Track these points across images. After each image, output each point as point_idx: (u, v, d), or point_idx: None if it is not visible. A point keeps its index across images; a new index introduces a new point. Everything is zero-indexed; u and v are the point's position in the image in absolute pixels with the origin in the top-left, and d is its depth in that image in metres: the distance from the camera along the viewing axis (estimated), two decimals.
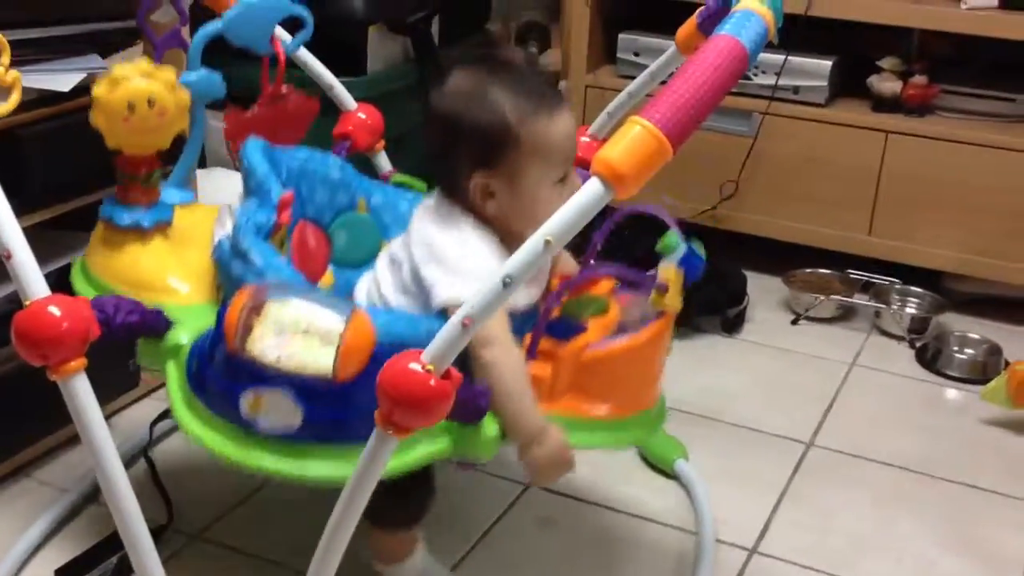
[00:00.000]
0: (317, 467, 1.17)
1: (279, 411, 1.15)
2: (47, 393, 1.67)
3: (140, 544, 1.14)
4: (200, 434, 1.21)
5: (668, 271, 1.30)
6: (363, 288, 1.42)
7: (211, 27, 1.54)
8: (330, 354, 1.13)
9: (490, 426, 1.20)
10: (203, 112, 1.57)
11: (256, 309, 1.16)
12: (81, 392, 1.08)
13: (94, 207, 1.68)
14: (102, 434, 1.10)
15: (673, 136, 0.96)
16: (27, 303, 1.07)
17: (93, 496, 1.68)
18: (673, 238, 1.31)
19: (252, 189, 1.40)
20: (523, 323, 1.28)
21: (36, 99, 1.64)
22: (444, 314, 1.25)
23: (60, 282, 1.42)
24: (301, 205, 1.46)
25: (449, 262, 1.29)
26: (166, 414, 1.85)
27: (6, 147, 1.61)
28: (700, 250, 1.35)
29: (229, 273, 1.30)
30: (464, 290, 1.24)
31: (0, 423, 1.69)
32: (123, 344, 1.90)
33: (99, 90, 1.36)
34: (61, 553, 1.54)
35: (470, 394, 1.15)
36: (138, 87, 1.37)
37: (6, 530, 1.59)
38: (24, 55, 1.64)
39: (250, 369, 1.15)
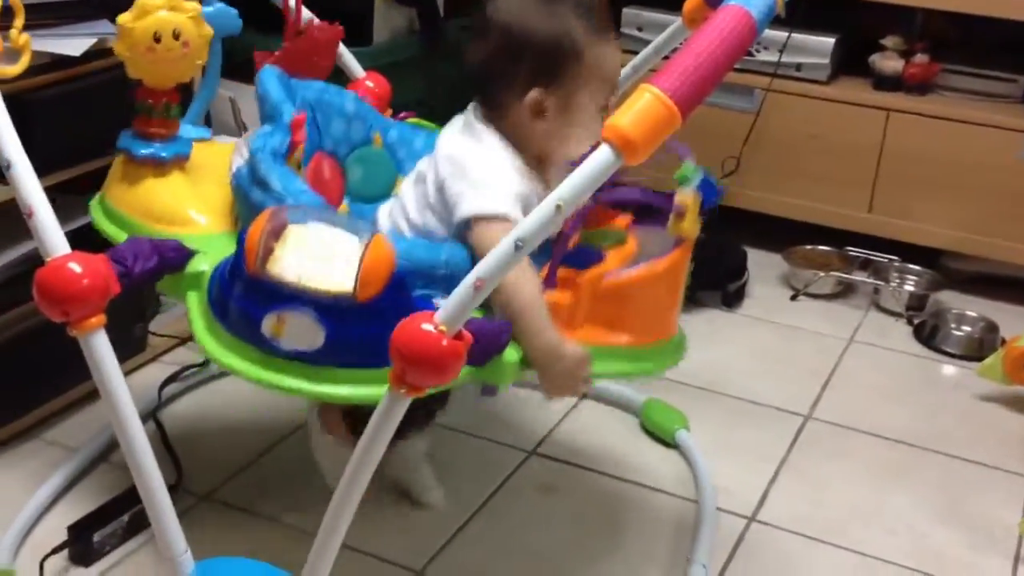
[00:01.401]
0: (338, 387, 1.18)
1: (301, 331, 1.16)
2: (54, 355, 1.71)
3: (156, 495, 1.15)
4: (223, 358, 1.21)
5: (685, 196, 1.30)
6: (385, 211, 1.43)
7: None
8: (351, 274, 1.14)
9: (512, 352, 1.21)
10: (219, 47, 1.57)
11: (276, 232, 1.17)
12: (101, 348, 1.10)
13: (102, 172, 1.70)
14: (120, 389, 1.11)
15: (683, 104, 0.98)
16: (48, 260, 1.09)
17: (102, 456, 1.71)
18: (690, 167, 1.33)
19: (266, 114, 1.41)
20: (541, 252, 1.29)
21: (43, 64, 1.65)
22: (467, 225, 1.28)
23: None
24: (317, 136, 1.46)
25: (474, 176, 1.30)
26: (174, 377, 1.89)
27: (14, 112, 1.60)
28: (715, 180, 1.37)
29: (248, 200, 1.31)
30: (488, 205, 1.27)
31: (9, 385, 1.72)
32: (132, 308, 1.92)
33: (125, 18, 1.37)
34: (72, 510, 1.56)
35: (492, 332, 1.16)
36: (165, 18, 1.37)
37: (18, 489, 1.61)
38: (35, 19, 1.65)
39: (271, 290, 1.16)
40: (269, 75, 1.46)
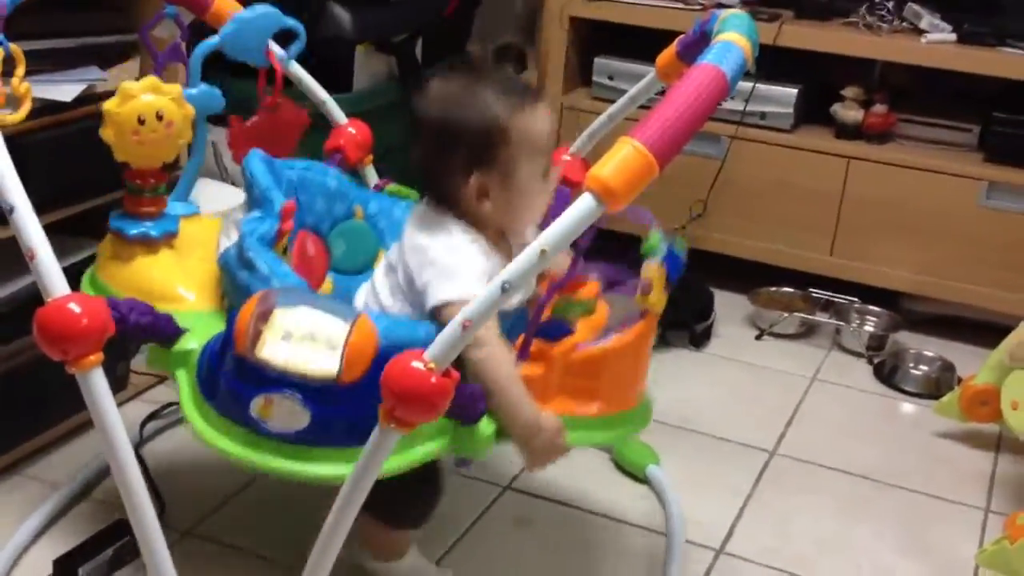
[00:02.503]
0: (323, 467, 1.22)
1: (287, 413, 1.21)
2: (37, 393, 1.74)
3: (148, 528, 1.19)
4: (210, 436, 1.26)
5: (651, 270, 1.37)
6: (362, 295, 1.48)
7: (209, 43, 1.61)
8: (335, 358, 1.18)
9: (486, 426, 1.26)
10: (204, 127, 1.63)
11: (264, 315, 1.21)
12: (98, 385, 1.14)
13: (93, 213, 1.74)
14: (116, 424, 1.15)
15: (660, 156, 1.03)
16: (48, 300, 1.13)
17: (85, 491, 1.74)
18: (656, 239, 1.38)
19: (256, 199, 1.46)
20: (514, 324, 1.35)
21: (37, 109, 1.69)
22: (436, 314, 1.32)
23: None
24: (300, 214, 1.52)
25: (440, 266, 1.35)
26: (156, 414, 1.91)
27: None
28: (682, 249, 1.42)
29: (235, 281, 1.36)
30: (455, 291, 1.31)
31: None
32: (112, 348, 1.95)
33: (110, 105, 1.42)
34: (57, 545, 1.58)
35: (469, 397, 1.22)
36: (148, 101, 1.43)
37: (2, 524, 1.63)
38: (28, 66, 1.70)
39: (259, 373, 1.21)
40: (256, 160, 1.50)
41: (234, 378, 1.24)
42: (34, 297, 1.15)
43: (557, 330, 1.36)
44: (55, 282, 1.13)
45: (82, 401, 1.15)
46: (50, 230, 1.14)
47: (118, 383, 1.96)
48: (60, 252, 1.16)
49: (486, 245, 1.39)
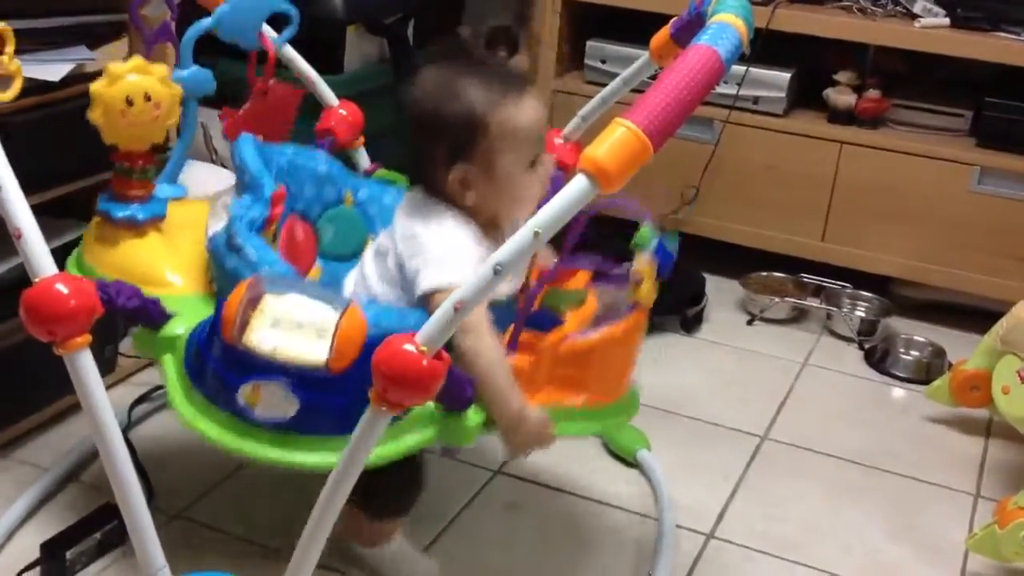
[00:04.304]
0: (311, 455, 1.22)
1: (274, 401, 1.20)
2: (24, 376, 1.72)
3: (136, 510, 1.18)
4: (197, 423, 1.25)
5: (642, 264, 1.37)
6: (351, 281, 1.47)
7: (201, 24, 1.59)
8: (324, 345, 1.18)
9: (474, 414, 1.26)
10: (195, 109, 1.61)
11: (253, 302, 1.20)
12: (86, 366, 1.12)
13: (79, 195, 1.72)
14: (104, 405, 1.14)
15: (654, 137, 1.02)
16: (36, 280, 1.11)
17: (73, 475, 1.73)
18: (647, 232, 1.38)
19: (246, 185, 1.45)
20: (504, 315, 1.34)
21: (24, 88, 1.67)
22: (426, 301, 1.32)
23: None
24: (290, 199, 1.51)
25: (431, 253, 1.35)
26: (144, 397, 1.91)
27: None
28: (674, 243, 1.42)
29: (223, 266, 1.35)
30: (446, 277, 1.31)
31: None
32: (101, 330, 1.94)
33: (97, 86, 1.41)
34: (45, 529, 1.58)
35: (458, 383, 1.21)
36: (136, 82, 1.42)
37: None
38: (15, 45, 1.68)
39: (247, 360, 1.20)
40: (247, 144, 1.49)
41: (222, 365, 1.23)
42: (21, 278, 1.14)
43: (547, 321, 1.35)
44: (42, 262, 1.11)
45: (70, 384, 1.13)
46: (36, 211, 1.13)
47: (106, 366, 1.95)
48: (46, 234, 1.14)
49: (478, 232, 1.39)
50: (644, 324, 1.42)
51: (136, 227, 1.47)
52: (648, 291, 1.37)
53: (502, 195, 1.39)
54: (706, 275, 2.53)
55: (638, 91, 1.23)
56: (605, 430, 1.43)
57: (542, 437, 1.30)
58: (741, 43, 1.11)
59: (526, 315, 1.33)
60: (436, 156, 1.38)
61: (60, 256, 1.48)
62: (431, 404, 1.26)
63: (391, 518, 1.51)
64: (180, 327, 1.33)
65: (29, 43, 1.69)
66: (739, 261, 2.60)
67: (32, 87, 1.66)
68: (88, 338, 1.13)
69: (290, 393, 1.20)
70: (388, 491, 1.43)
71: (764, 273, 2.60)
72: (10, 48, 1.30)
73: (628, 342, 1.41)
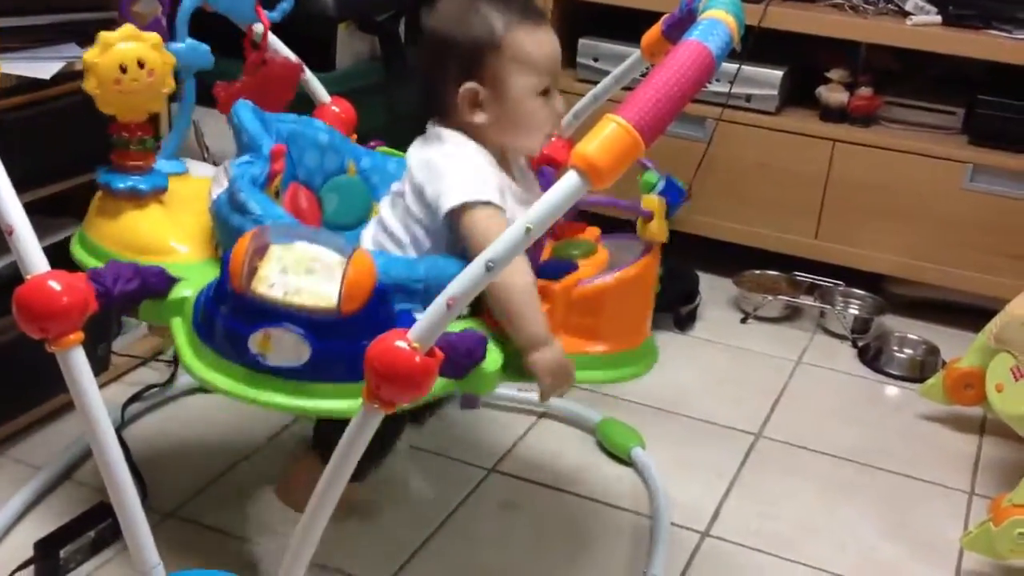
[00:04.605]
0: (324, 401, 1.20)
1: (287, 347, 1.18)
2: (18, 374, 1.72)
3: (130, 508, 1.18)
4: (209, 376, 1.23)
5: (651, 200, 1.36)
6: (368, 235, 1.46)
7: None
8: (334, 289, 1.16)
9: (491, 361, 1.24)
10: (192, 83, 1.61)
11: (260, 251, 1.19)
12: (78, 363, 1.12)
13: (72, 193, 1.72)
14: (96, 403, 1.14)
15: (645, 133, 1.02)
16: (28, 277, 1.11)
17: (67, 473, 1.73)
18: (651, 174, 1.38)
19: (244, 145, 1.44)
20: None
21: (15, 86, 1.67)
22: (453, 217, 1.31)
23: None
24: (292, 168, 1.50)
25: (450, 172, 1.35)
26: (137, 396, 1.90)
27: None
28: (681, 182, 1.42)
29: (228, 225, 1.33)
30: (468, 193, 1.31)
31: None
32: (94, 328, 1.94)
33: (90, 55, 1.39)
34: (38, 528, 1.57)
35: (467, 345, 1.19)
36: (128, 49, 1.41)
37: None
38: (4, 43, 1.68)
39: (257, 308, 1.18)
40: (244, 108, 1.49)
41: (231, 317, 1.21)
42: (13, 276, 1.14)
43: (560, 268, 1.35)
44: (34, 259, 1.12)
45: (64, 382, 1.13)
46: (28, 210, 1.13)
47: (100, 364, 1.94)
48: (39, 232, 1.14)
49: (488, 154, 1.39)
50: (657, 266, 1.41)
51: (138, 198, 1.46)
52: (659, 227, 1.37)
53: (510, 118, 1.38)
54: (699, 273, 2.53)
55: (630, 88, 1.23)
56: (626, 378, 1.41)
57: (565, 367, 1.27)
58: (732, 39, 1.11)
59: (537, 261, 1.32)
60: (447, 76, 1.38)
61: (53, 254, 1.48)
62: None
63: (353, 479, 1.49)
64: (187, 290, 1.31)
65: (19, 41, 1.70)
66: (732, 259, 2.60)
67: (23, 85, 1.67)
68: (81, 336, 1.13)
69: (302, 338, 1.18)
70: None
71: (757, 271, 2.60)
72: None
73: (642, 285, 1.39)
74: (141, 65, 1.42)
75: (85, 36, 1.83)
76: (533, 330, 1.26)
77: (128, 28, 1.43)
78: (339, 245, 1.21)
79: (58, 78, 1.70)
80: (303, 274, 1.18)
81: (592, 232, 1.46)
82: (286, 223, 1.30)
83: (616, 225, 1.49)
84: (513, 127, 1.39)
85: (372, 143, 1.69)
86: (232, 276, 1.19)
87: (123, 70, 1.41)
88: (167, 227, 1.45)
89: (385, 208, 1.45)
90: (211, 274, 1.28)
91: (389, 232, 1.41)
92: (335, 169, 1.57)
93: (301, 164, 1.52)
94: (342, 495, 1.47)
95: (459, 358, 1.18)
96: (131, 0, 1.66)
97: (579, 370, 1.31)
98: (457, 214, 1.31)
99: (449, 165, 1.35)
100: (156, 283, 1.30)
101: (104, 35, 1.40)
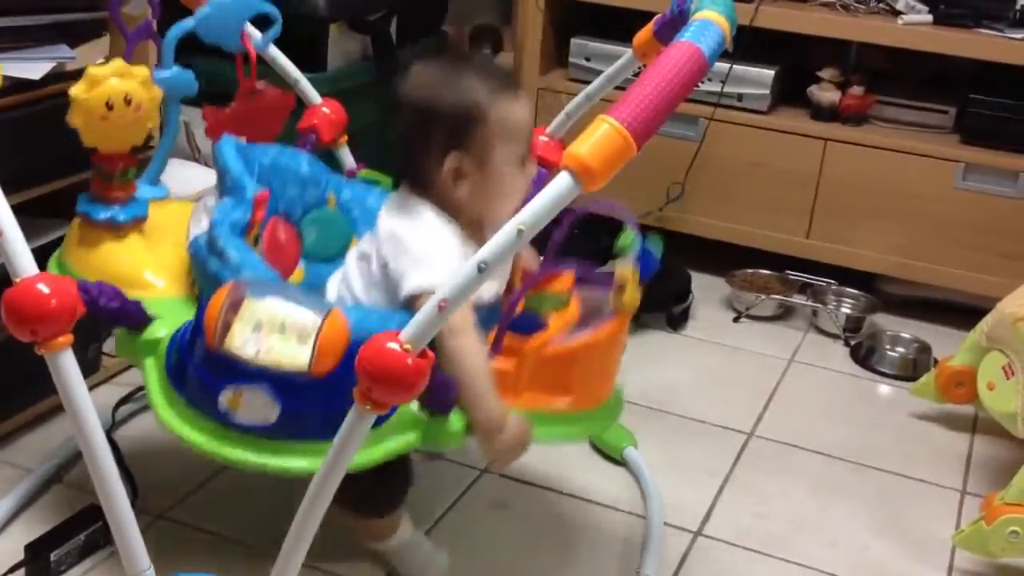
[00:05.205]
0: (293, 460, 1.21)
1: (256, 406, 1.20)
2: (8, 376, 1.71)
3: (120, 511, 1.17)
4: (178, 428, 1.24)
5: (624, 270, 1.36)
6: (334, 284, 1.47)
7: (183, 24, 1.58)
8: (306, 350, 1.17)
9: (457, 419, 1.26)
10: (177, 109, 1.60)
11: (235, 306, 1.20)
12: (67, 366, 1.11)
13: (61, 194, 1.71)
14: (86, 406, 1.13)
15: (638, 134, 1.02)
16: (16, 280, 1.10)
17: (57, 476, 1.72)
18: (630, 237, 1.38)
19: (228, 188, 1.44)
20: (487, 317, 1.34)
21: (4, 87, 1.66)
22: (411, 302, 1.31)
23: None
24: (272, 201, 1.50)
25: (415, 253, 1.34)
26: (128, 398, 1.89)
27: None
28: (657, 247, 1.41)
29: (205, 270, 1.34)
30: (431, 278, 1.30)
31: None
32: (84, 330, 1.94)
33: (77, 90, 1.39)
34: (28, 530, 1.57)
35: (443, 384, 1.21)
36: (116, 86, 1.40)
37: None
38: None
39: (229, 365, 1.19)
40: (228, 146, 1.49)
41: (203, 369, 1.22)
42: (1, 278, 1.13)
43: (530, 324, 1.34)
44: (23, 261, 1.10)
45: (54, 384, 1.13)
46: (17, 210, 1.12)
47: (90, 366, 1.94)
48: (28, 233, 1.13)
49: (461, 233, 1.38)
50: (627, 328, 1.42)
51: (117, 229, 1.46)
52: (631, 297, 1.37)
53: (493, 189, 1.38)
54: (692, 272, 2.53)
55: (622, 88, 1.23)
56: (589, 434, 1.42)
57: (520, 445, 1.29)
58: (723, 39, 1.11)
59: (510, 318, 1.32)
60: (430, 147, 1.37)
61: (44, 255, 1.48)
62: (414, 407, 1.26)
63: (386, 513, 1.50)
64: (162, 330, 1.32)
65: (9, 41, 1.69)
66: (724, 258, 2.60)
67: (12, 86, 1.65)
68: (70, 338, 1.12)
69: (272, 398, 1.19)
70: (375, 489, 1.43)
71: (750, 270, 2.60)
72: None
73: (611, 346, 1.40)
74: (128, 102, 1.41)
75: (75, 37, 1.83)
76: (490, 415, 1.27)
77: (118, 64, 1.42)
78: (314, 303, 1.21)
79: (48, 79, 1.69)
80: (276, 332, 1.18)
81: (566, 280, 1.43)
82: (262, 277, 1.30)
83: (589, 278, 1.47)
84: (493, 196, 1.39)
85: (353, 168, 1.69)
86: (206, 332, 1.20)
87: (109, 107, 1.40)
88: (145, 259, 1.46)
89: (352, 263, 1.45)
90: (186, 313, 1.30)
91: (351, 290, 1.42)
92: (315, 201, 1.57)
93: (282, 196, 1.53)
94: (389, 523, 1.51)
95: (441, 386, 1.19)
96: (121, 2, 1.66)
97: (542, 425, 1.32)
98: (416, 299, 1.30)
99: (416, 244, 1.35)
100: (135, 312, 1.31)
101: (92, 71, 1.40)
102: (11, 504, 1.63)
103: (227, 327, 1.19)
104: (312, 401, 1.20)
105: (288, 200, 1.55)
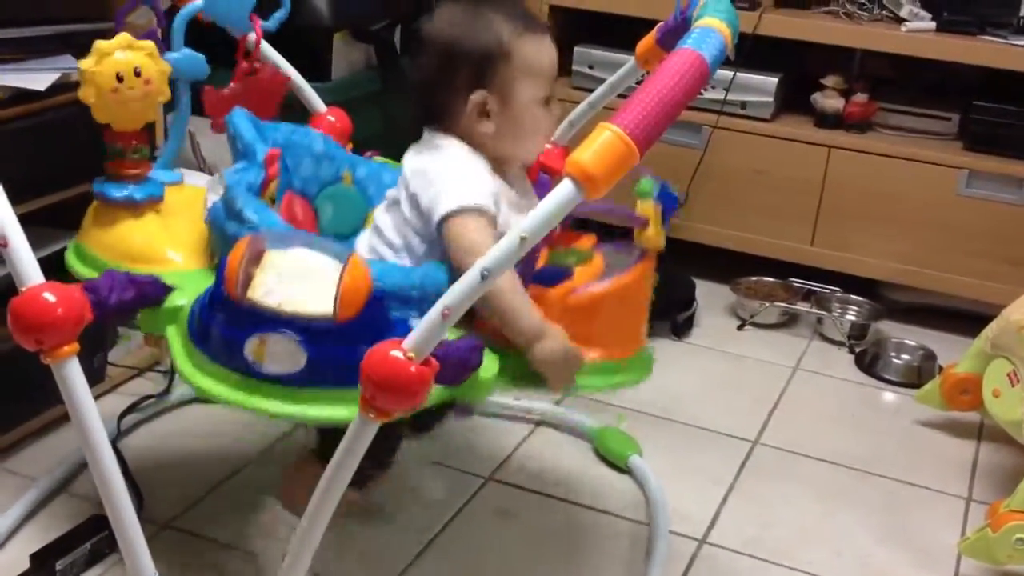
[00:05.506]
0: (320, 409, 1.19)
1: (283, 354, 1.17)
2: (14, 386, 1.72)
3: (125, 519, 1.17)
4: (204, 384, 1.22)
5: (646, 207, 1.37)
6: (363, 242, 1.45)
7: (193, 5, 1.58)
8: (330, 296, 1.16)
9: (486, 369, 1.24)
10: (187, 93, 1.61)
11: (255, 258, 1.19)
12: (73, 375, 1.12)
13: (67, 204, 1.72)
14: (92, 415, 1.14)
15: (640, 141, 1.02)
16: (23, 289, 1.11)
17: (63, 485, 1.72)
18: (647, 181, 1.38)
19: (240, 152, 1.44)
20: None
21: (10, 97, 1.67)
22: (446, 225, 1.30)
23: None
24: (287, 177, 1.49)
25: (444, 179, 1.34)
26: (133, 407, 1.90)
27: None
28: (676, 190, 1.43)
29: (224, 233, 1.33)
30: (463, 199, 1.30)
31: None
32: (89, 339, 1.94)
33: (87, 64, 1.40)
34: (34, 540, 1.57)
35: (462, 353, 1.18)
36: (125, 58, 1.41)
37: None
38: (0, 54, 1.69)
39: (252, 315, 1.17)
40: (240, 116, 1.50)
41: (226, 324, 1.20)
42: (8, 288, 1.14)
43: (554, 276, 1.35)
44: (29, 271, 1.12)
45: (60, 393, 1.13)
46: (24, 221, 1.13)
47: (95, 375, 1.94)
48: (34, 243, 1.14)
49: (488, 164, 1.39)
50: (652, 273, 1.41)
51: (134, 207, 1.46)
52: (655, 234, 1.37)
53: (517, 127, 1.39)
54: (696, 280, 2.53)
55: (625, 96, 1.23)
56: (624, 385, 1.40)
57: (564, 350, 1.27)
58: (725, 47, 1.11)
59: (532, 268, 1.32)
60: (455, 85, 1.38)
61: (48, 266, 1.48)
62: None
63: (354, 485, 1.48)
64: (182, 299, 1.30)
65: (14, 52, 1.70)
66: (729, 266, 2.60)
67: (19, 96, 1.66)
68: (76, 347, 1.13)
69: (298, 345, 1.17)
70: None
71: (754, 278, 2.60)
72: None
73: (637, 292, 1.39)
74: (138, 74, 1.42)
75: (80, 47, 1.83)
76: (526, 323, 1.26)
77: (124, 37, 1.43)
78: (335, 251, 1.20)
79: (53, 89, 1.70)
80: (299, 281, 1.18)
81: (588, 240, 1.46)
82: (282, 229, 1.30)
83: (613, 235, 1.49)
84: (517, 135, 1.40)
85: (368, 153, 1.69)
86: (228, 283, 1.18)
87: (120, 79, 1.41)
88: (162, 236, 1.45)
89: (381, 214, 1.45)
90: (206, 283, 1.28)
91: (385, 238, 1.41)
92: (330, 178, 1.56)
93: (296, 173, 1.52)
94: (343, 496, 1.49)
95: (455, 365, 1.17)
96: (126, 11, 1.66)
97: (578, 376, 1.30)
98: (451, 220, 1.30)
99: (445, 172, 1.35)
100: (151, 292, 1.29)
101: (100, 44, 1.40)
102: (17, 513, 1.63)
103: (248, 279, 1.18)
104: (338, 348, 1.17)
105: (303, 177, 1.53)
